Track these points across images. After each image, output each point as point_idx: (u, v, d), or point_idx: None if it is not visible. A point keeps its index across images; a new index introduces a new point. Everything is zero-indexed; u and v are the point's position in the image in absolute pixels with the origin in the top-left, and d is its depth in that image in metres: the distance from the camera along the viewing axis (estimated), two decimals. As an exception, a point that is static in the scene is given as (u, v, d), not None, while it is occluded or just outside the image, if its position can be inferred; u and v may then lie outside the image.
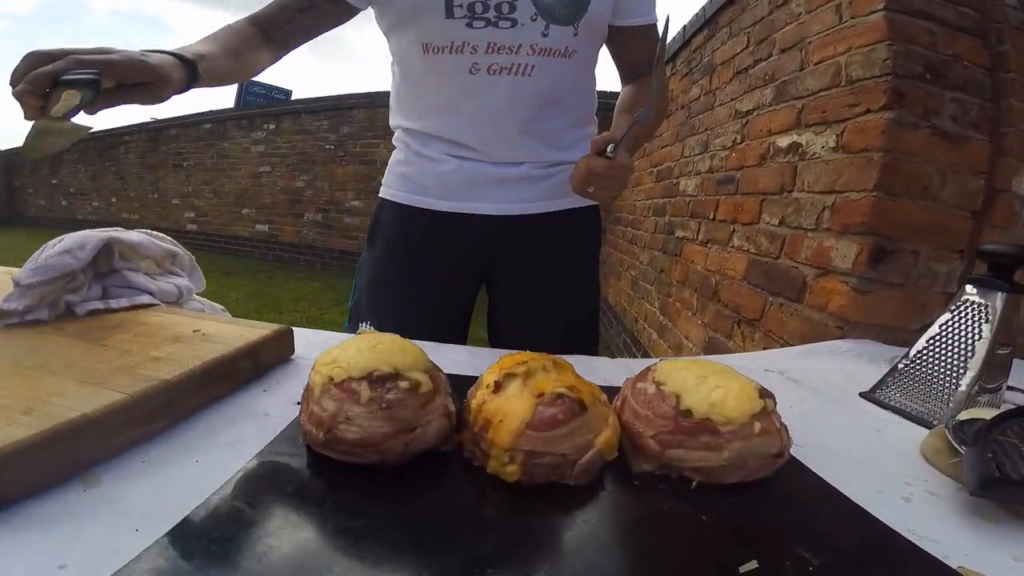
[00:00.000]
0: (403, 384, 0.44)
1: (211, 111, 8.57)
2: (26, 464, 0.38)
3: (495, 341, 1.12)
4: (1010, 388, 0.87)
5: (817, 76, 1.59)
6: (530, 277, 1.06)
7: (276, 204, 7.63)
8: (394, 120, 1.08)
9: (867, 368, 0.94)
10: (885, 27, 1.32)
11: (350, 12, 0.96)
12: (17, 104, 0.60)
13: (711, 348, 2.04)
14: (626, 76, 1.11)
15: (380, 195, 1.11)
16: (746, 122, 2.02)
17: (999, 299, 0.76)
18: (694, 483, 0.46)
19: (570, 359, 0.59)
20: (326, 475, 0.44)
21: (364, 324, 1.06)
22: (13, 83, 0.59)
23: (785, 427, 0.49)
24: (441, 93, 0.97)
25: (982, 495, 0.48)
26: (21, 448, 0.37)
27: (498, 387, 0.46)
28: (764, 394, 0.48)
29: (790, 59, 1.75)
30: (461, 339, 1.09)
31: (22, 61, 0.59)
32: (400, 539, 0.37)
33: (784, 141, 1.72)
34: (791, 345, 1.36)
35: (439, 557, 0.36)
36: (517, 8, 0.88)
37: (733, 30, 2.24)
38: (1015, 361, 1.19)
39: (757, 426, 0.45)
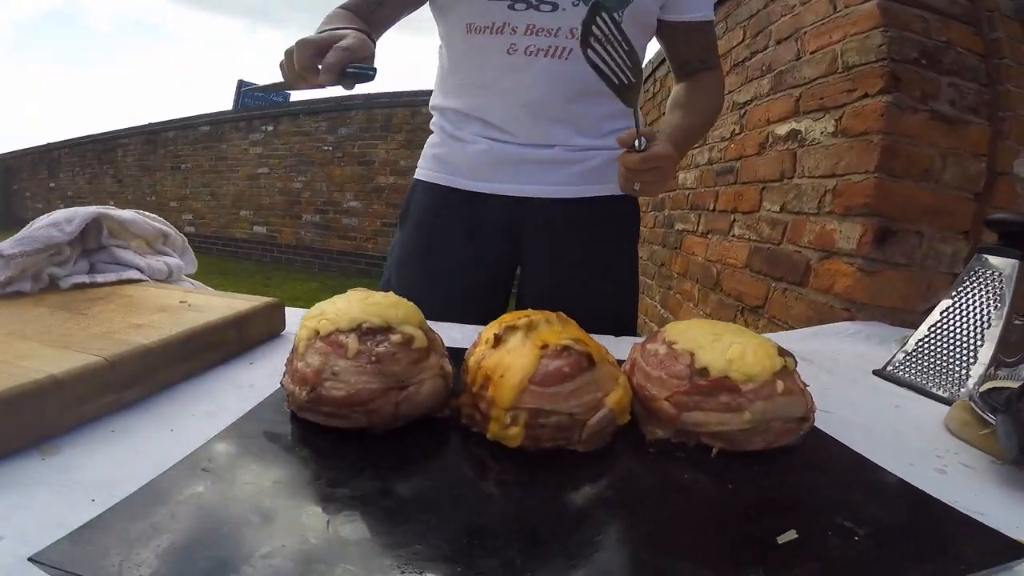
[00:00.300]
0: (395, 337, 0.40)
1: (209, 113, 8.56)
2: None
3: None
4: None
5: (813, 64, 1.59)
6: (560, 263, 1.03)
7: (274, 205, 7.61)
8: (433, 101, 1.09)
9: (877, 349, 0.92)
10: (879, 14, 1.34)
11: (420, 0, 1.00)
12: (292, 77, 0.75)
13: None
14: (678, 72, 1.08)
15: (414, 176, 1.10)
16: (744, 112, 2.01)
17: (1013, 267, 0.74)
18: (714, 450, 0.43)
19: None
20: (308, 441, 0.40)
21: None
22: (302, 68, 0.71)
23: (809, 391, 0.46)
24: (478, 72, 0.98)
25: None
26: None
27: (498, 341, 0.42)
28: (784, 353, 0.44)
29: (786, 49, 1.75)
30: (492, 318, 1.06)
31: (301, 49, 0.71)
32: (384, 512, 0.33)
33: (783, 129, 1.71)
34: (796, 329, 1.34)
35: (431, 529, 0.32)
36: None
37: (729, 24, 2.24)
38: None
39: (780, 385, 0.42)
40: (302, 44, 0.71)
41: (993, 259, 0.76)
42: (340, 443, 0.40)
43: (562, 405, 0.39)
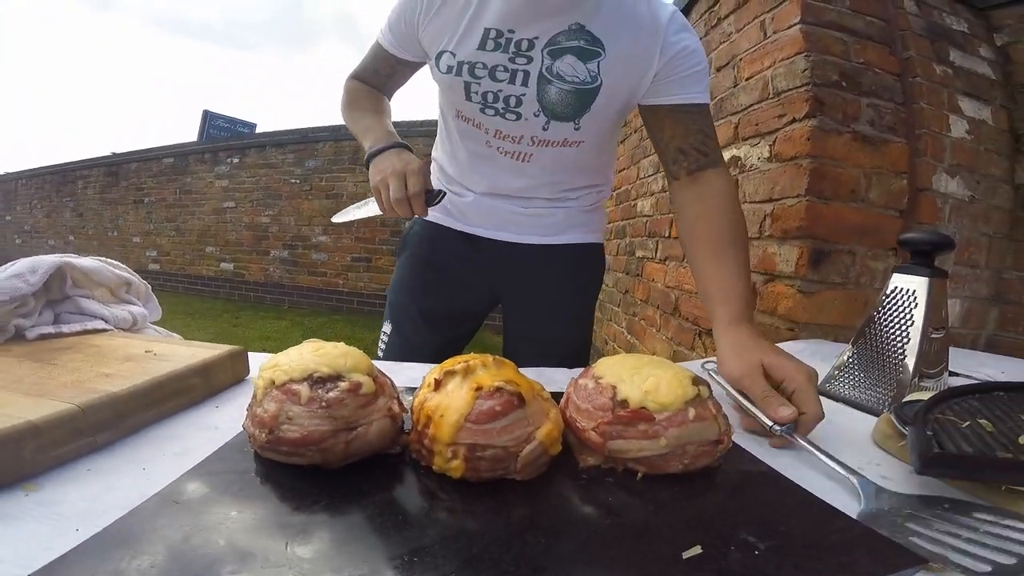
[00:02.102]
0: (343, 384, 0.45)
1: (173, 145, 8.37)
2: None
3: (506, 354, 1.20)
4: (953, 374, 0.91)
5: (748, 91, 1.66)
6: (531, 299, 1.19)
7: (241, 241, 7.45)
8: (435, 152, 1.24)
9: (819, 365, 0.96)
10: (802, 39, 1.41)
11: (420, 66, 1.13)
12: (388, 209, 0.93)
13: (675, 360, 2.07)
14: (674, 168, 0.98)
15: None
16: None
17: (924, 285, 0.79)
18: (639, 475, 0.48)
19: (528, 371, 0.61)
20: (270, 477, 0.44)
21: (386, 323, 1.25)
22: (397, 202, 0.90)
23: (724, 415, 0.51)
24: (462, 150, 1.11)
25: (926, 473, 0.48)
26: None
27: (438, 384, 0.47)
28: (698, 382, 0.50)
29: (725, 77, 1.82)
30: (466, 339, 1.28)
31: (396, 186, 0.90)
32: (338, 536, 0.38)
33: (726, 155, 1.74)
34: None
35: (377, 549, 0.37)
36: (523, 103, 0.96)
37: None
38: (962, 351, 1.25)
39: (691, 412, 0.47)
40: (396, 182, 0.90)
41: (906, 277, 0.82)
42: (299, 478, 0.44)
43: (496, 440, 0.44)
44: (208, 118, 10.01)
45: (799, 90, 1.40)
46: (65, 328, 0.73)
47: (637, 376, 0.48)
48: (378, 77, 1.16)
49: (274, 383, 0.45)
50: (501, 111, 0.98)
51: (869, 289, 1.37)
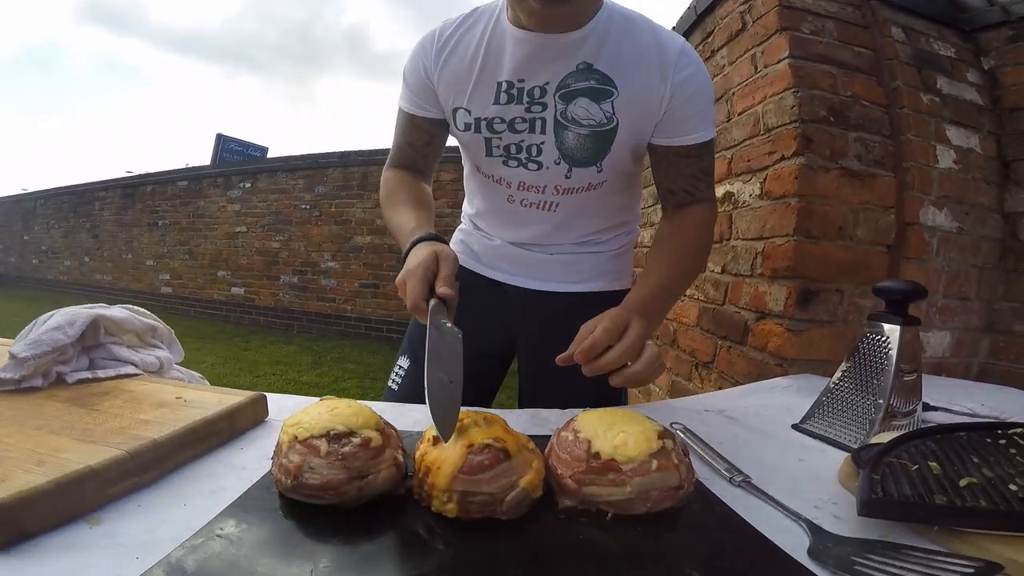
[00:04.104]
0: (355, 440, 0.54)
1: (187, 168, 8.52)
2: (42, 506, 0.46)
3: (521, 403, 1.19)
4: (932, 408, 0.96)
5: (741, 126, 1.67)
6: (547, 348, 1.15)
7: (252, 266, 7.51)
8: (464, 204, 1.22)
9: (805, 402, 0.99)
10: (790, 74, 1.42)
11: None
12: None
13: (674, 391, 2.12)
14: (664, 202, 1.05)
15: None
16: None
17: (896, 332, 0.84)
18: (609, 515, 0.55)
19: (523, 412, 0.74)
20: (294, 514, 0.52)
21: (402, 357, 1.19)
22: (414, 307, 0.78)
23: (688, 462, 0.58)
24: (487, 203, 1.11)
25: (866, 514, 0.53)
26: (40, 492, 0.46)
27: (436, 440, 0.56)
28: (664, 435, 0.57)
29: (719, 111, 1.79)
30: (491, 392, 1.25)
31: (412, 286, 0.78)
32: (353, 564, 0.46)
33: (719, 191, 1.76)
34: (742, 383, 1.42)
35: (386, 571, 0.45)
36: (543, 152, 0.97)
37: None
38: (952, 380, 1.28)
39: (655, 463, 0.54)
40: (412, 282, 0.79)
41: (880, 324, 0.86)
42: (319, 516, 0.52)
43: (484, 488, 0.52)
44: (221, 141, 10.14)
45: (787, 127, 1.42)
46: (100, 373, 0.82)
47: (610, 432, 0.56)
48: (414, 152, 1.11)
49: (297, 438, 0.54)
50: (524, 161, 0.98)
51: (856, 326, 1.38)
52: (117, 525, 0.49)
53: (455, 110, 0.99)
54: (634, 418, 0.59)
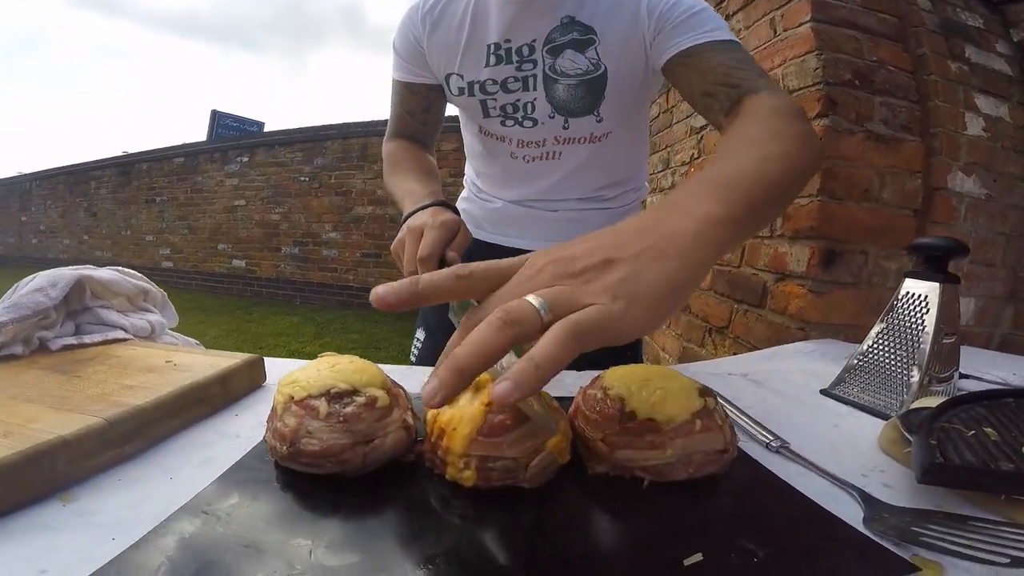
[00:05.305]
0: (359, 399, 0.47)
1: (183, 144, 8.51)
2: (7, 481, 0.40)
3: None
4: (964, 376, 0.90)
5: None
6: None
7: (252, 238, 7.57)
8: (466, 168, 1.24)
9: (830, 367, 0.96)
10: (813, 38, 1.39)
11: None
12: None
13: (685, 357, 2.08)
14: (708, 115, 0.87)
15: None
16: (701, 138, 2.08)
17: (936, 290, 0.78)
18: (645, 482, 0.49)
19: None
20: (291, 486, 0.46)
21: (419, 329, 1.22)
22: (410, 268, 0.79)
23: (730, 424, 0.52)
24: (490, 163, 1.12)
25: (927, 482, 0.48)
26: (5, 466, 0.40)
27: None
28: (705, 393, 0.51)
29: None
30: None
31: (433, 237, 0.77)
32: (358, 543, 0.39)
33: None
34: (759, 349, 1.40)
35: (395, 553, 0.38)
36: (536, 108, 0.98)
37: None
38: (976, 350, 1.24)
39: (698, 423, 0.48)
40: (411, 243, 0.79)
41: (917, 282, 0.81)
42: (319, 487, 0.46)
43: (506, 452, 0.45)
44: (217, 118, 10.11)
45: (811, 89, 1.39)
46: (87, 339, 0.75)
47: (645, 388, 0.50)
48: (414, 121, 1.10)
49: (293, 398, 0.47)
50: (520, 120, 1.00)
51: (882, 289, 1.36)
52: (94, 502, 0.44)
53: (448, 76, 1.01)
54: (669, 374, 0.53)
